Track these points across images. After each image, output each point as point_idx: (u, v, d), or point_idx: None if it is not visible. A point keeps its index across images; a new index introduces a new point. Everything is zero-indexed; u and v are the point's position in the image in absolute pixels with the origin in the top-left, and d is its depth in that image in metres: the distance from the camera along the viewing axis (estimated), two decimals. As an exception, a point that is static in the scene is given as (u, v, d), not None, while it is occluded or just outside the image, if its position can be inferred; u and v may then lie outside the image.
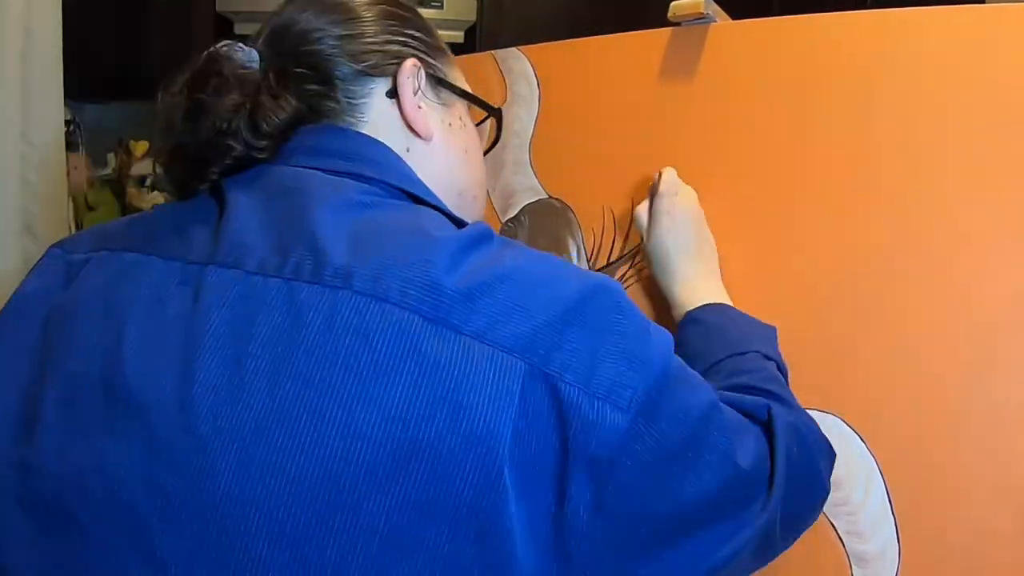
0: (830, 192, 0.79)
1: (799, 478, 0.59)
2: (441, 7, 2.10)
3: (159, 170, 0.59)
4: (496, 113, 0.72)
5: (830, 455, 0.66)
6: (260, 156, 0.57)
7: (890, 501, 0.72)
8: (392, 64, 0.62)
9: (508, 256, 0.51)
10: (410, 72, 0.62)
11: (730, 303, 0.78)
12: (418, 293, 0.47)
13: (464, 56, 1.17)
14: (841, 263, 0.77)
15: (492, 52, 1.11)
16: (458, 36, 2.14)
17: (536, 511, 0.47)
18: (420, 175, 0.60)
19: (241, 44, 0.60)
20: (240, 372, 0.47)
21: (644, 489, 0.49)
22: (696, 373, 0.56)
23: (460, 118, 0.67)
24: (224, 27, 2.03)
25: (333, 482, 0.45)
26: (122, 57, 2.00)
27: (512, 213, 1.04)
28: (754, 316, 0.79)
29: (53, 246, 0.61)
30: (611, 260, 0.94)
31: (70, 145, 1.84)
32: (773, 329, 0.77)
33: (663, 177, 0.84)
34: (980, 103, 0.73)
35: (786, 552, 0.76)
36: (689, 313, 0.77)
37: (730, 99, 0.87)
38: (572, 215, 0.98)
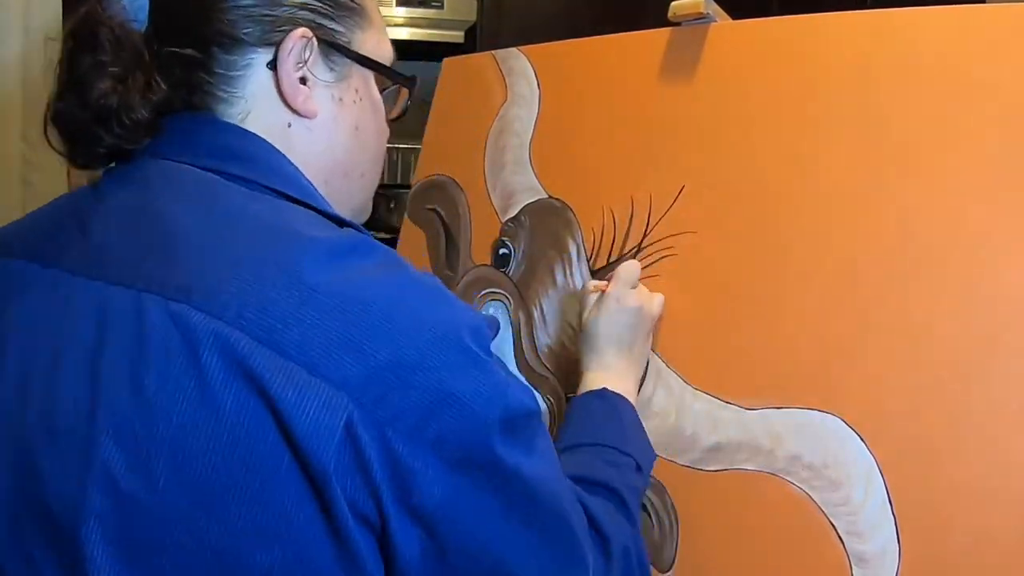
0: (830, 192, 0.79)
1: None
2: (441, 7, 2.10)
3: (49, 122, 0.57)
4: (405, 81, 0.67)
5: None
6: (129, 147, 0.56)
7: (890, 501, 0.72)
8: (279, 33, 0.57)
9: (377, 276, 0.49)
10: (296, 44, 0.57)
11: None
12: (254, 313, 0.46)
13: (464, 56, 1.18)
14: (840, 263, 0.77)
15: (492, 52, 1.11)
16: (458, 36, 2.14)
17: (364, 545, 0.47)
18: (301, 152, 0.58)
19: None
20: (95, 385, 0.47)
21: (470, 542, 0.49)
22: (544, 446, 0.56)
23: (357, 91, 0.62)
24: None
25: (167, 498, 0.45)
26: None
27: (512, 213, 1.04)
28: (754, 316, 0.79)
29: None
30: (611, 260, 0.94)
31: (70, 145, 1.84)
32: (654, 455, 0.80)
33: (626, 266, 0.85)
34: (980, 103, 0.73)
35: (786, 552, 0.76)
36: (605, 389, 0.79)
37: (730, 99, 0.87)
38: (572, 215, 0.98)
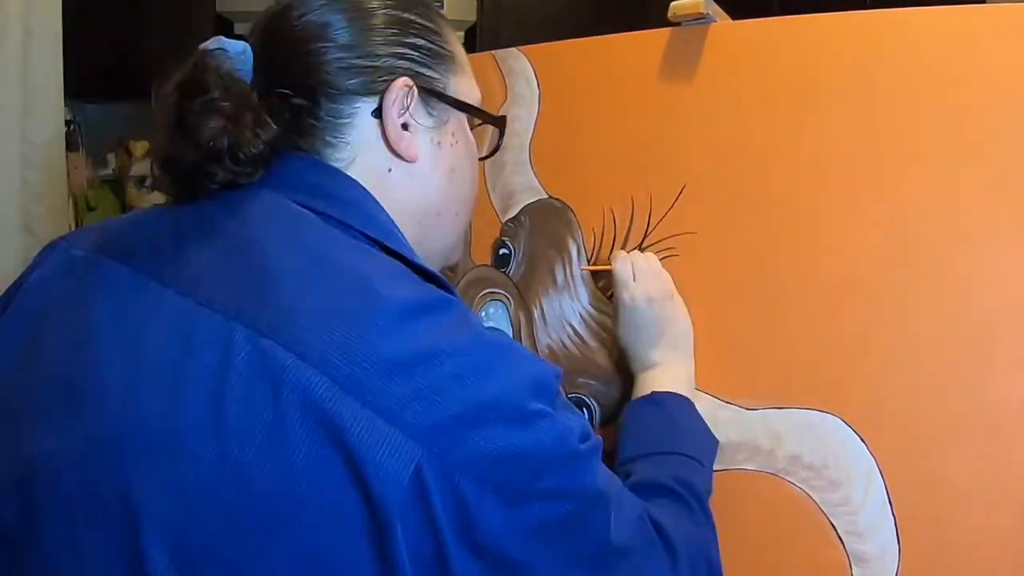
0: (830, 192, 0.79)
1: None
2: (441, 7, 2.10)
3: (157, 171, 0.60)
4: (498, 123, 0.71)
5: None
6: (242, 181, 0.58)
7: (890, 501, 0.72)
8: (381, 83, 0.60)
9: (450, 334, 0.52)
10: (398, 93, 0.60)
11: (692, 394, 0.80)
12: (337, 357, 0.48)
13: (464, 56, 1.18)
14: (840, 263, 0.77)
15: (492, 52, 1.11)
16: (458, 36, 2.14)
17: None
18: (397, 196, 0.61)
19: (234, 42, 0.60)
20: (174, 398, 0.49)
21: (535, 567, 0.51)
22: (619, 491, 0.59)
23: (453, 134, 0.64)
24: (224, 27, 2.03)
25: (232, 518, 0.47)
26: (122, 57, 2.00)
27: (512, 213, 1.04)
28: (754, 316, 0.79)
29: (59, 239, 0.62)
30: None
31: (70, 145, 1.84)
32: (715, 441, 0.79)
33: (619, 267, 0.86)
34: (980, 103, 0.73)
35: (786, 552, 0.76)
36: (655, 393, 0.79)
37: (730, 99, 0.87)
38: (572, 215, 0.98)
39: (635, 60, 0.95)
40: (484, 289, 1.04)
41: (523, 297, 1.00)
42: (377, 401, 0.47)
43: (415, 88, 0.61)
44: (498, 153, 1.08)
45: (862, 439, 0.74)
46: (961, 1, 0.75)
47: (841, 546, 0.73)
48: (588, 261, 0.95)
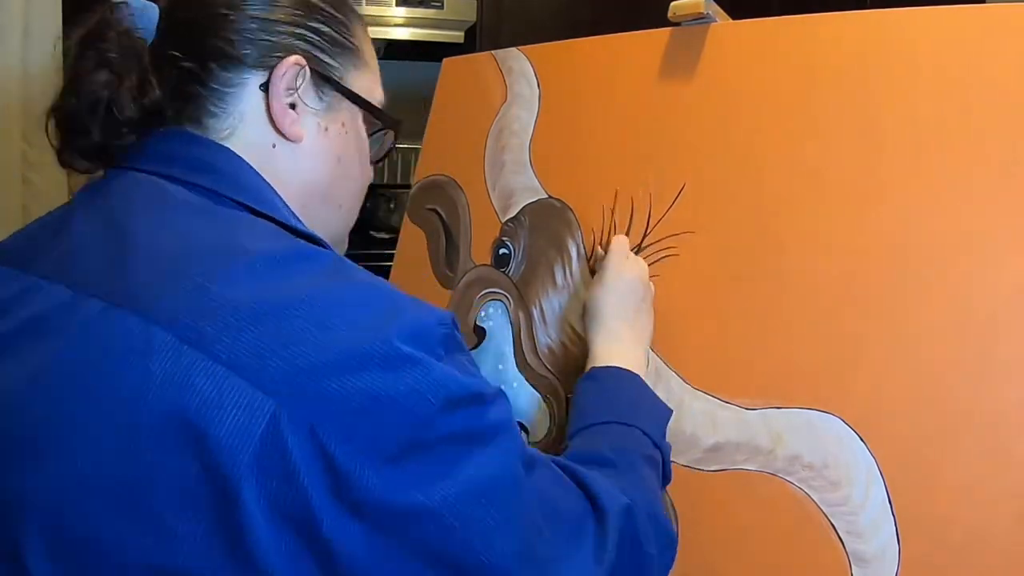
0: (830, 192, 0.79)
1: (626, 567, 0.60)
2: (441, 7, 2.10)
3: (49, 125, 0.60)
4: (391, 123, 0.70)
5: (670, 545, 0.67)
6: (114, 143, 0.59)
7: (890, 501, 0.72)
8: (274, 58, 0.60)
9: (316, 282, 0.50)
10: (288, 70, 0.60)
11: (643, 376, 0.79)
12: (185, 315, 0.47)
13: (464, 56, 1.18)
14: (840, 263, 0.77)
15: (492, 52, 1.11)
16: (458, 36, 2.14)
17: (292, 539, 0.46)
18: (283, 173, 0.61)
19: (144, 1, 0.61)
20: (36, 381, 0.49)
21: (424, 531, 0.48)
22: (536, 462, 0.56)
23: (343, 124, 0.64)
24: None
25: (83, 490, 0.46)
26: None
27: (512, 213, 1.04)
28: (754, 316, 0.79)
29: None
30: (611, 260, 0.94)
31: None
32: (668, 411, 0.78)
33: (617, 239, 0.88)
34: (980, 103, 0.73)
35: (786, 552, 0.76)
36: (593, 369, 0.79)
37: (730, 99, 0.87)
38: (572, 215, 0.98)
39: (635, 60, 0.95)
40: (484, 289, 1.04)
41: (523, 297, 1.00)
42: (227, 354, 0.46)
43: (307, 69, 0.61)
44: (498, 153, 1.08)
45: (862, 439, 0.74)
46: (961, 1, 0.75)
47: (841, 546, 0.73)
48: (588, 261, 0.95)
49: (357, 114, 0.66)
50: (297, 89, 0.61)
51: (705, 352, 0.84)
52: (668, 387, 0.86)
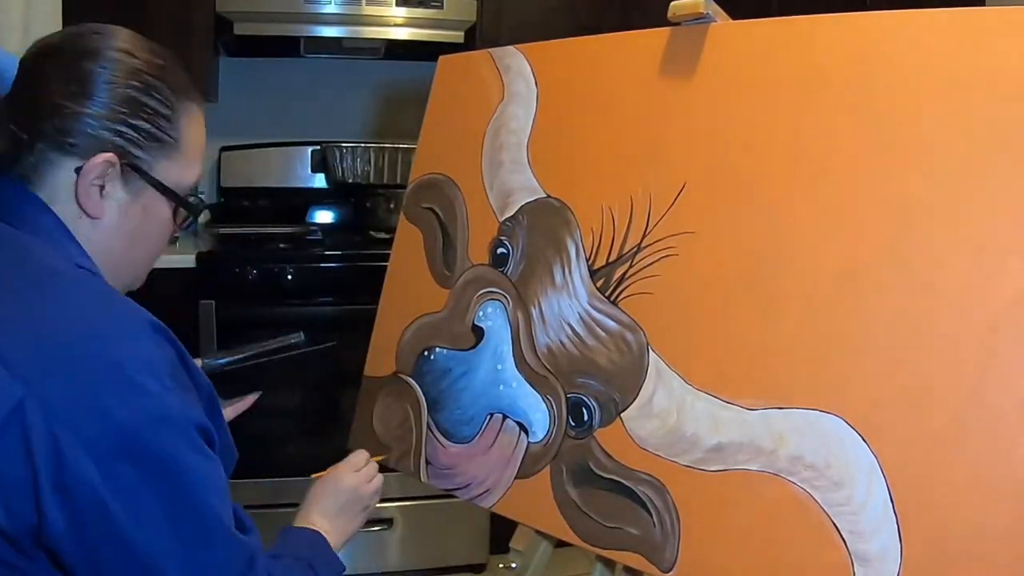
0: (830, 192, 0.79)
1: None
2: (441, 7, 2.10)
3: None
4: (191, 210, 0.80)
5: None
6: None
7: (892, 501, 0.71)
8: (93, 150, 0.71)
9: (80, 302, 0.67)
10: (99, 167, 0.71)
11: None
12: None
13: (460, 54, 1.17)
14: (840, 263, 0.77)
15: (489, 50, 1.10)
16: (458, 36, 2.14)
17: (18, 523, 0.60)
18: (85, 237, 0.73)
19: (8, 57, 0.74)
20: None
21: (113, 523, 0.62)
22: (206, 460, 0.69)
23: (144, 207, 0.75)
24: (224, 27, 2.03)
25: None
26: (121, 57, 2.00)
27: (510, 213, 1.04)
28: (755, 316, 0.79)
29: None
30: (610, 260, 0.93)
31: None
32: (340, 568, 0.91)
33: (356, 453, 1.02)
34: (980, 104, 0.73)
35: (788, 552, 0.76)
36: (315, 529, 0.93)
37: (730, 99, 0.87)
38: (571, 215, 0.98)
39: (635, 60, 0.95)
40: (482, 289, 1.04)
41: (521, 297, 1.00)
42: (3, 352, 0.61)
43: (118, 164, 0.72)
44: (495, 152, 1.08)
45: (864, 439, 0.74)
46: (961, 3, 0.75)
47: (843, 546, 0.73)
48: (587, 261, 0.95)
49: (161, 199, 0.76)
50: (105, 178, 0.72)
51: (706, 352, 0.84)
52: (669, 387, 0.86)
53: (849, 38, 0.80)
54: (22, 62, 0.73)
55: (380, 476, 1.01)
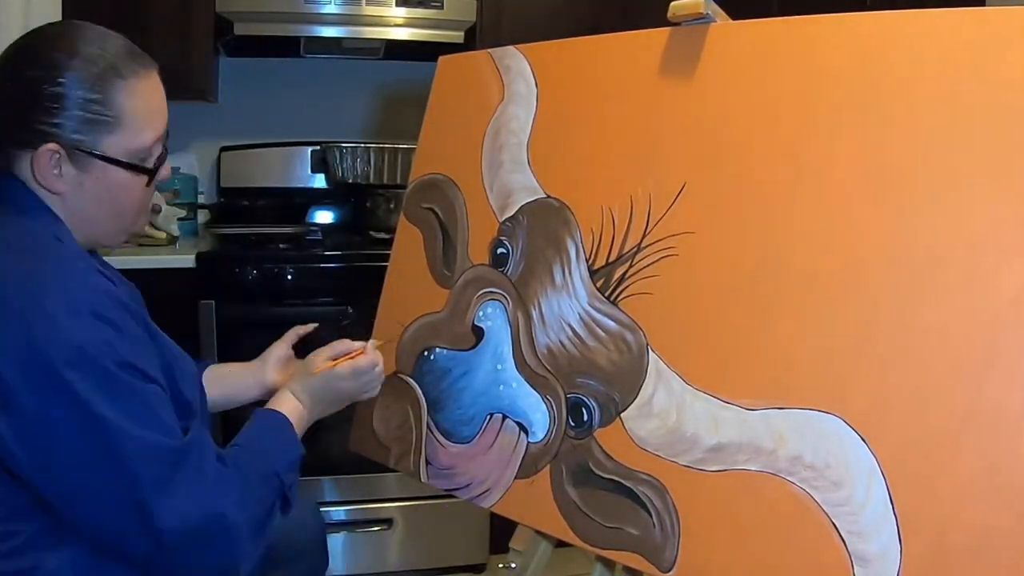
0: (830, 192, 0.79)
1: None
2: (441, 7, 2.10)
3: None
4: (141, 172, 0.90)
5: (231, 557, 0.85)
6: None
7: (891, 501, 0.72)
8: (39, 142, 0.84)
9: (16, 250, 0.83)
10: (45, 155, 0.85)
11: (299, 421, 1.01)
12: None
13: (460, 54, 1.17)
14: (841, 263, 0.77)
15: (489, 51, 1.10)
16: (458, 36, 2.14)
17: None
18: (58, 208, 0.88)
19: None
20: None
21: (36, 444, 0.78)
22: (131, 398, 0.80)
23: (98, 178, 0.87)
24: (224, 27, 2.03)
25: None
26: (121, 57, 2.00)
27: (510, 213, 1.04)
28: (755, 316, 0.79)
29: None
30: (610, 260, 0.94)
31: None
32: (294, 455, 0.96)
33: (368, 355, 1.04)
34: (980, 105, 0.73)
35: (788, 552, 0.76)
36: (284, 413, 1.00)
37: (730, 99, 0.87)
38: (571, 215, 0.98)
39: (635, 60, 0.95)
40: (482, 289, 1.04)
41: (521, 297, 1.00)
42: None
43: (62, 151, 0.85)
44: (495, 152, 1.08)
45: (863, 439, 0.74)
46: (961, 3, 0.75)
47: (843, 546, 0.73)
48: (587, 261, 0.95)
49: (113, 167, 0.87)
50: (55, 162, 0.85)
51: (706, 352, 0.84)
52: (669, 387, 0.86)
53: (849, 38, 0.80)
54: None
55: (379, 372, 1.06)
